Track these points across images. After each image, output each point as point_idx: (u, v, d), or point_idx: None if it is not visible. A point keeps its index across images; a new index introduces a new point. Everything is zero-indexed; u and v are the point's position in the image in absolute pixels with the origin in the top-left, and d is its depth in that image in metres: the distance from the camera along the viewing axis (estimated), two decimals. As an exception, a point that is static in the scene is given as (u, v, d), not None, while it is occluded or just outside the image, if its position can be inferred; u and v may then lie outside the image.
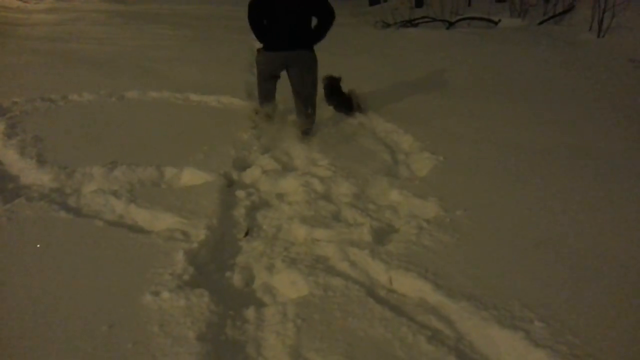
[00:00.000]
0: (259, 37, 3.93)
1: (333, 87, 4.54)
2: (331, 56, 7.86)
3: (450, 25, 10.77)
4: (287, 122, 4.17)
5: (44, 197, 2.72)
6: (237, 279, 2.18)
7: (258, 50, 4.08)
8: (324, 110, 4.75)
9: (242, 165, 3.43)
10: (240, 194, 2.97)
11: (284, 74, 4.09)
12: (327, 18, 3.90)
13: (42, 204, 2.60)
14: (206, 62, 6.82)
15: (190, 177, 3.14)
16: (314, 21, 3.95)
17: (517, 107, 4.85)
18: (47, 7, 14.17)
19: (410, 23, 11.21)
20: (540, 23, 10.58)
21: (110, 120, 4.06)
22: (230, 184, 3.17)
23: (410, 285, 2.09)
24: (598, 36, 8.24)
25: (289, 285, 2.10)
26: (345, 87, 4.64)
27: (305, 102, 4.03)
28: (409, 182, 3.20)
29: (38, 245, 2.23)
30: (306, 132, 4.00)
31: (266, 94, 4.15)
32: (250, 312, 1.91)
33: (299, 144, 3.83)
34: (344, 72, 6.62)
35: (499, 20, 10.77)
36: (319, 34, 3.95)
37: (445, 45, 8.76)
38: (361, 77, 6.41)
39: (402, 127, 4.25)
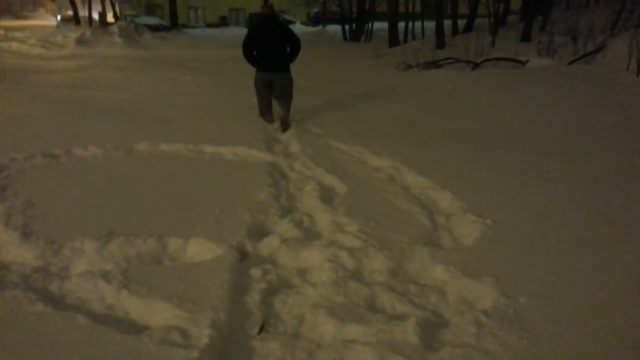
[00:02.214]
0: (251, 63, 5.84)
1: None
2: (352, 99, 7.55)
3: (476, 66, 10.40)
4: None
5: (23, 281, 2.28)
6: (247, 403, 1.68)
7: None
8: (347, 161, 4.31)
9: (259, 233, 2.97)
10: (255, 272, 2.49)
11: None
12: (296, 46, 5.78)
13: (17, 292, 2.15)
14: (223, 110, 6.51)
15: (198, 249, 2.69)
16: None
17: (560, 158, 4.33)
18: (68, 54, 14.33)
19: (434, 64, 10.88)
20: (570, 63, 10.16)
21: (114, 179, 3.67)
22: (244, 258, 2.71)
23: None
24: (638, 75, 7.74)
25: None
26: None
27: (284, 104, 5.84)
28: (454, 254, 2.70)
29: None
30: (284, 129, 5.68)
31: (264, 106, 5.97)
32: None
33: (323, 205, 3.37)
34: (364, 117, 6.26)
35: (527, 61, 10.38)
36: (292, 58, 5.84)
37: (472, 87, 8.36)
38: (383, 122, 6.01)
39: (437, 182, 3.78)
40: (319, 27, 33.24)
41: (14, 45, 15.14)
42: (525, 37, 13.80)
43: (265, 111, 6.00)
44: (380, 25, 24.64)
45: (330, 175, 3.98)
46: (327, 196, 3.61)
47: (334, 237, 2.91)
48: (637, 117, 5.62)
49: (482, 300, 2.27)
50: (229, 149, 4.60)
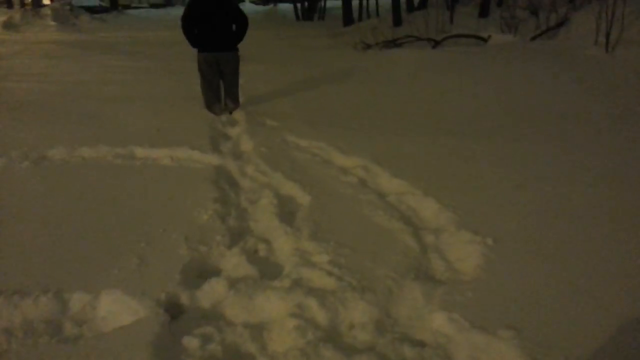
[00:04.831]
0: (193, 43, 5.06)
1: None
2: (310, 84, 6.82)
3: (437, 44, 9.85)
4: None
5: None
6: None
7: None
8: (309, 161, 3.63)
9: (199, 273, 2.27)
10: (191, 343, 1.79)
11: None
12: (243, 24, 5.09)
13: None
14: (162, 101, 5.68)
15: (112, 308, 1.96)
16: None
17: (552, 148, 3.81)
18: (-9, 40, 12.89)
19: (394, 43, 10.26)
20: (533, 38, 9.77)
21: (8, 204, 2.84)
22: (178, 314, 2.00)
23: None
24: (606, 51, 7.36)
25: None
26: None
27: (231, 87, 5.25)
28: (455, 292, 2.07)
29: None
30: (231, 110, 5.29)
31: (212, 94, 5.19)
32: None
33: (282, 225, 2.68)
34: (325, 105, 5.59)
35: (489, 37, 9.92)
36: (238, 37, 5.14)
37: (437, 67, 7.80)
38: (345, 110, 5.35)
39: (417, 185, 3.16)
40: (270, 6, 32.07)
41: None
42: (484, 13, 13.39)
43: (213, 101, 5.20)
44: (333, 4, 23.82)
45: (289, 182, 3.30)
46: (287, 211, 2.93)
47: (299, 274, 2.23)
48: (619, 99, 5.19)
49: (506, 370, 1.66)
50: (166, 151, 3.82)
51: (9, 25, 17.15)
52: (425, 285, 2.14)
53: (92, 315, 1.94)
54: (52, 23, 19.09)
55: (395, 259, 2.34)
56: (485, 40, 9.90)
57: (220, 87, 5.25)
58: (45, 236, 2.47)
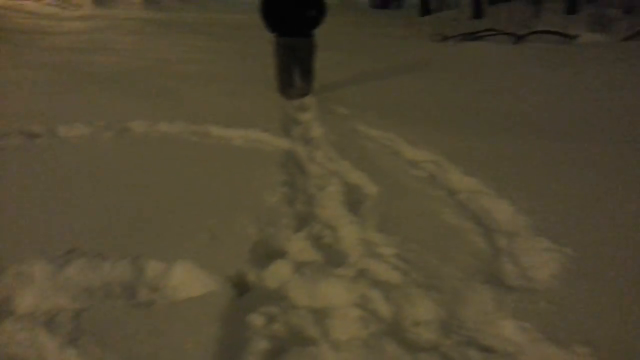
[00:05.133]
0: (270, 27, 5.12)
1: None
2: (383, 75, 6.72)
3: (520, 39, 9.42)
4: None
5: None
6: None
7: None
8: (378, 151, 3.59)
9: (266, 254, 2.30)
10: (256, 320, 1.83)
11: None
12: (321, 10, 5.13)
13: None
14: (239, 83, 5.81)
15: (184, 279, 2.04)
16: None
17: (632, 153, 3.55)
18: (82, 15, 13.68)
19: (473, 36, 9.92)
20: (625, 39, 9.13)
21: (94, 170, 3.02)
22: (245, 291, 2.05)
23: None
24: None
25: None
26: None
27: (305, 73, 5.33)
28: (527, 300, 1.98)
29: None
30: (304, 96, 5.32)
31: (286, 78, 5.27)
32: None
33: (348, 214, 2.68)
34: (397, 96, 5.49)
35: (577, 35, 9.37)
36: (317, 22, 5.16)
37: (518, 63, 7.47)
38: (417, 102, 5.23)
39: (490, 185, 3.04)
40: (346, -7, 31.82)
41: (27, 5, 14.53)
42: (572, 9, 12.67)
43: (287, 85, 5.29)
44: (411, -7, 23.34)
45: (357, 171, 3.28)
46: (353, 200, 2.92)
47: (364, 264, 2.22)
48: None
49: (579, 387, 1.57)
50: (239, 131, 3.91)
51: (99, 2, 18.12)
52: (496, 290, 2.06)
53: (165, 283, 2.03)
54: (138, 1, 19.96)
55: (464, 260, 2.27)
56: (572, 38, 9.37)
57: (294, 72, 5.30)
58: (125, 203, 2.61)
